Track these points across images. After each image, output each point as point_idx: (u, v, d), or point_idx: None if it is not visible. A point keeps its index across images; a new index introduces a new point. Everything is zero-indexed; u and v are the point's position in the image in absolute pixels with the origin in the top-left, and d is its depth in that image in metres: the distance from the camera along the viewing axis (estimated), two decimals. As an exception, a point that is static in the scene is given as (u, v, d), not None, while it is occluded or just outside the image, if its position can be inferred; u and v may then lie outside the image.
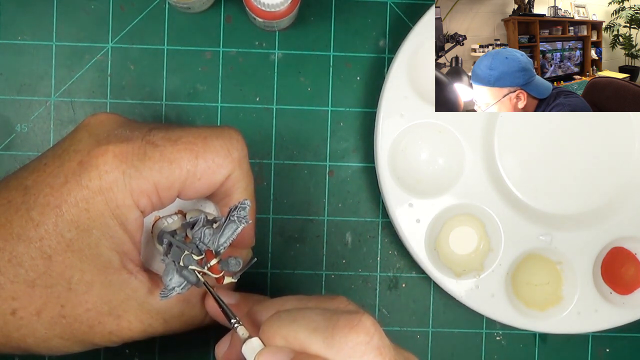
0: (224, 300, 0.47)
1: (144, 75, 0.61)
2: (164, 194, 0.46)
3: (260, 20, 0.56)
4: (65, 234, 0.45)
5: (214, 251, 0.47)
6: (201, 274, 0.47)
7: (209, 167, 0.47)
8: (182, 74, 0.61)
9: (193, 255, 0.46)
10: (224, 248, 0.47)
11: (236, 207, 0.47)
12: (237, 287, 0.62)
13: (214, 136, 0.48)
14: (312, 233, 0.62)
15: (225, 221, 0.47)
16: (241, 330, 0.44)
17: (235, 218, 0.46)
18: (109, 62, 0.61)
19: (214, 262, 0.47)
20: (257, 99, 0.62)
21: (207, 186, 0.48)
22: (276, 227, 0.62)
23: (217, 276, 0.47)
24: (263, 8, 0.54)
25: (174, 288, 0.46)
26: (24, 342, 0.46)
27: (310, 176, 0.62)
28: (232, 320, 0.45)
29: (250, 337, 0.43)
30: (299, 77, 0.62)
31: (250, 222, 0.47)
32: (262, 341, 0.43)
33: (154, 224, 0.50)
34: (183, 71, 0.61)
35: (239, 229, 0.47)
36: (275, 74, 0.62)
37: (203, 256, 0.47)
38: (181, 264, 0.46)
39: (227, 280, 0.48)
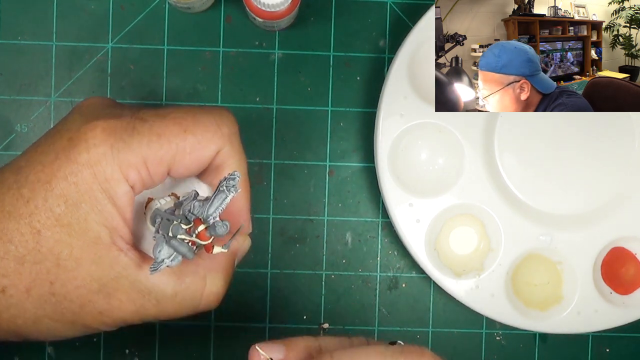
0: (270, 355, 0.44)
1: (144, 75, 0.61)
2: (153, 168, 0.46)
3: (260, 20, 0.56)
4: (55, 209, 0.45)
5: (202, 219, 0.46)
6: (190, 242, 0.46)
7: (199, 142, 0.47)
8: (182, 74, 0.61)
9: (181, 224, 0.46)
10: (214, 218, 0.46)
11: (225, 178, 0.46)
12: (238, 287, 0.62)
13: (204, 112, 0.48)
14: (312, 233, 0.62)
15: (214, 192, 0.46)
16: None
17: (224, 187, 0.45)
18: (109, 62, 0.61)
19: (201, 227, 0.46)
20: (257, 99, 0.62)
21: (197, 162, 0.47)
22: (276, 227, 0.62)
23: (205, 243, 0.46)
24: (263, 8, 0.54)
25: (163, 260, 0.45)
26: (14, 324, 0.46)
27: (310, 176, 0.62)
28: None
29: None
30: (299, 77, 0.62)
31: (239, 190, 0.46)
32: None
33: (147, 206, 0.50)
34: (183, 71, 0.61)
35: (228, 199, 0.46)
36: (275, 74, 0.62)
37: (191, 225, 0.46)
38: (170, 234, 0.46)
39: (217, 250, 0.47)
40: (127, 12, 0.61)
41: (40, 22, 0.60)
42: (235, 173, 0.46)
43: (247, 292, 0.62)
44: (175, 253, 0.46)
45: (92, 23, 0.61)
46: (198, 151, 0.47)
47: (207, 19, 0.61)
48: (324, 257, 0.62)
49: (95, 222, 0.45)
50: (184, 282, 0.48)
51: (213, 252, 0.47)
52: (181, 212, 0.46)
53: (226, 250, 0.47)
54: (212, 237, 0.46)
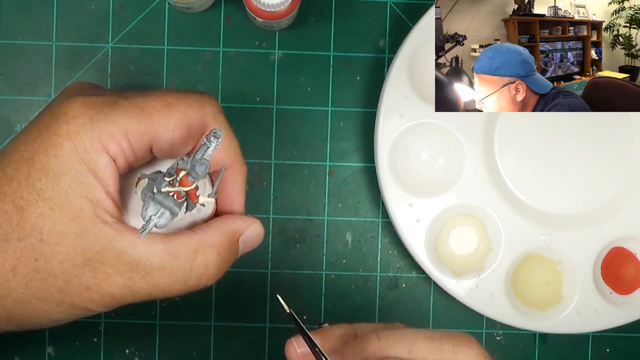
0: (304, 348, 0.44)
1: (144, 75, 0.61)
2: (135, 141, 0.46)
3: (260, 20, 0.56)
4: (36, 184, 0.45)
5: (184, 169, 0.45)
6: (175, 195, 0.45)
7: (182, 118, 0.46)
8: (182, 74, 0.61)
9: (165, 178, 0.45)
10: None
11: (207, 134, 0.46)
12: (238, 287, 0.62)
13: (187, 92, 0.48)
14: (312, 233, 0.62)
15: (197, 149, 0.46)
16: None
17: (205, 140, 0.45)
18: (109, 62, 0.61)
19: (182, 173, 0.45)
20: (257, 99, 0.62)
21: (182, 139, 0.47)
22: (276, 227, 0.62)
23: (188, 188, 0.45)
24: (263, 8, 0.54)
25: (150, 218, 0.45)
26: (2, 306, 0.46)
27: (310, 176, 0.62)
28: None
29: None
30: (299, 77, 0.62)
31: (220, 140, 0.45)
32: None
33: (137, 184, 0.49)
34: (183, 71, 0.61)
35: (210, 149, 0.45)
36: (275, 74, 0.62)
37: (174, 177, 0.45)
38: (154, 191, 0.45)
39: (203, 199, 0.46)
40: (127, 12, 0.61)
41: (40, 22, 0.60)
42: (217, 128, 0.46)
43: (247, 292, 0.62)
44: (162, 209, 0.45)
45: (92, 23, 0.61)
46: (182, 128, 0.46)
47: (207, 19, 0.61)
48: (324, 257, 0.62)
49: (76, 194, 0.45)
50: (172, 253, 0.46)
51: (199, 202, 0.46)
52: (166, 171, 0.46)
53: (213, 200, 0.46)
54: (195, 184, 0.45)
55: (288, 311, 0.45)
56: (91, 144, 0.45)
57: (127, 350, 0.62)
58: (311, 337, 0.43)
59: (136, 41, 0.61)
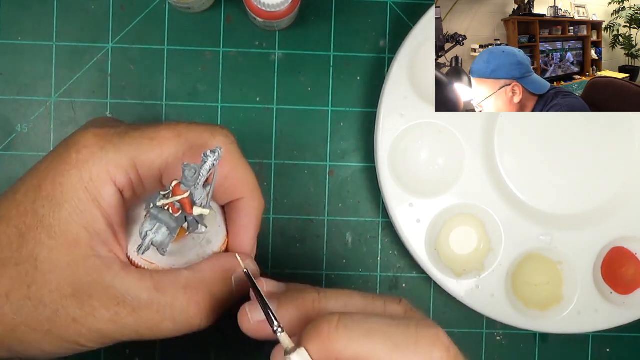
0: (265, 297, 0.44)
1: (144, 75, 0.61)
2: (144, 171, 0.46)
3: (260, 20, 0.56)
4: (39, 210, 0.45)
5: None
6: (171, 209, 0.44)
7: (192, 148, 0.46)
8: (182, 74, 0.61)
9: (160, 192, 0.45)
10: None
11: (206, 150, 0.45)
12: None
13: (199, 123, 0.48)
14: (312, 233, 0.62)
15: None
16: (285, 340, 0.42)
17: (203, 156, 0.45)
18: (109, 62, 0.61)
19: (174, 183, 0.45)
20: (257, 99, 0.62)
21: None
22: (276, 227, 0.62)
23: (180, 197, 0.45)
24: (263, 8, 0.54)
25: (147, 233, 0.45)
26: None
27: (310, 176, 0.62)
28: (275, 328, 0.42)
29: (295, 348, 0.41)
30: (299, 77, 0.62)
31: (220, 156, 0.45)
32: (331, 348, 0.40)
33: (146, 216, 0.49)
34: (183, 71, 0.61)
35: (207, 165, 0.45)
36: (275, 74, 0.62)
37: (168, 190, 0.45)
38: (150, 206, 0.45)
39: (197, 210, 0.45)
40: (127, 12, 0.61)
41: (40, 22, 0.60)
42: (218, 146, 0.45)
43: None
44: (157, 224, 0.45)
45: (92, 23, 0.61)
46: (192, 156, 0.46)
47: (207, 19, 0.61)
48: (324, 257, 0.62)
49: (76, 223, 0.45)
50: (159, 289, 0.46)
51: (194, 213, 0.45)
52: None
53: (207, 212, 0.46)
54: (189, 193, 0.45)
55: (244, 270, 0.45)
56: (97, 174, 0.45)
57: (127, 351, 0.62)
58: (263, 294, 0.43)
59: (136, 41, 0.61)
